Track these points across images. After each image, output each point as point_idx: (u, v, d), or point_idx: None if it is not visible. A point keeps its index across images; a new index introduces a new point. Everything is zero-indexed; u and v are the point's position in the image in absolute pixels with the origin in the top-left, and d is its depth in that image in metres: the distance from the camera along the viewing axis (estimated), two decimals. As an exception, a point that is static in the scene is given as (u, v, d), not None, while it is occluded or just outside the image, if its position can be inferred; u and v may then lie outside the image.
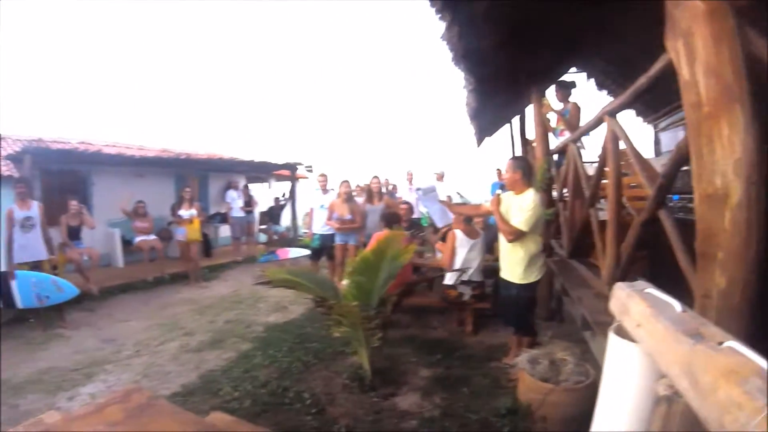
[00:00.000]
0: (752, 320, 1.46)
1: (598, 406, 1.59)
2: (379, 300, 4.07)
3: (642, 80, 2.40)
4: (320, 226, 7.70)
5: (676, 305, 1.24)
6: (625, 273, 2.91)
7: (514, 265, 4.08)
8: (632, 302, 1.38)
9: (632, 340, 1.37)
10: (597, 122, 3.50)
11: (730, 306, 1.47)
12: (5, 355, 5.23)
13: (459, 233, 5.31)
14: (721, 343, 0.94)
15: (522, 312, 4.21)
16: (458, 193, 10.43)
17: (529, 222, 3.86)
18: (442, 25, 4.19)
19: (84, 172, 10.21)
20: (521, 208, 3.93)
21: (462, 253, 5.32)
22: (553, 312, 5.75)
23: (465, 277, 5.30)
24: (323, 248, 7.77)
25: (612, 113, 3.10)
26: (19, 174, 7.68)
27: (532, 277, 4.07)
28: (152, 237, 9.39)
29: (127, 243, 9.98)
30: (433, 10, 3.99)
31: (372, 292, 4.08)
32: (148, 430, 2.06)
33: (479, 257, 5.40)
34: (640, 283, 1.48)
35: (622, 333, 1.46)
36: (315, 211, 7.92)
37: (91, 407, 2.41)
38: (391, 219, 6.13)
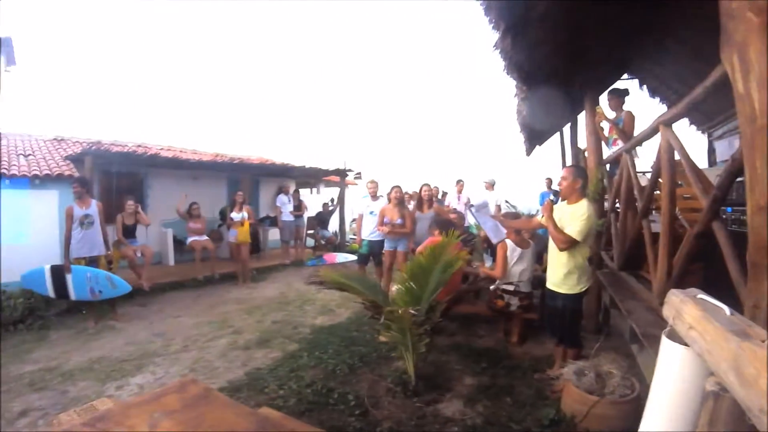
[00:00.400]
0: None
1: (648, 406, 1.66)
2: (428, 306, 4.10)
3: (698, 90, 2.36)
4: (369, 232, 7.75)
5: (726, 309, 1.31)
6: (677, 286, 2.85)
7: (562, 275, 4.05)
8: (685, 307, 1.46)
9: (683, 343, 1.46)
10: (652, 132, 3.45)
11: None
12: (58, 342, 5.63)
13: (509, 243, 5.29)
14: (763, 341, 1.03)
15: (568, 323, 4.16)
16: (507, 202, 10.33)
17: (583, 231, 3.84)
18: (494, 34, 4.20)
19: (141, 174, 10.77)
20: (574, 216, 3.90)
21: (511, 263, 5.30)
22: (600, 325, 5.65)
23: (513, 287, 5.29)
24: (371, 254, 7.82)
25: (667, 123, 3.06)
26: (79, 174, 8.08)
27: (579, 288, 4.03)
28: (204, 237, 9.70)
29: (179, 243, 10.46)
30: (487, 19, 4.00)
31: (422, 297, 4.11)
32: (204, 419, 2.15)
33: (529, 268, 5.37)
34: (693, 290, 1.54)
35: (673, 337, 1.53)
36: (364, 217, 7.96)
37: (147, 396, 2.54)
38: (445, 225, 6.16)
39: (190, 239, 9.60)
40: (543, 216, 4.22)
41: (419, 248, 4.87)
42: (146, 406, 2.25)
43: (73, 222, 6.29)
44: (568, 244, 3.89)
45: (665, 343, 1.58)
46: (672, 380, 1.54)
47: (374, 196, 8.00)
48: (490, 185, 10.47)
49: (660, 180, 3.27)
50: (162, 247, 10.67)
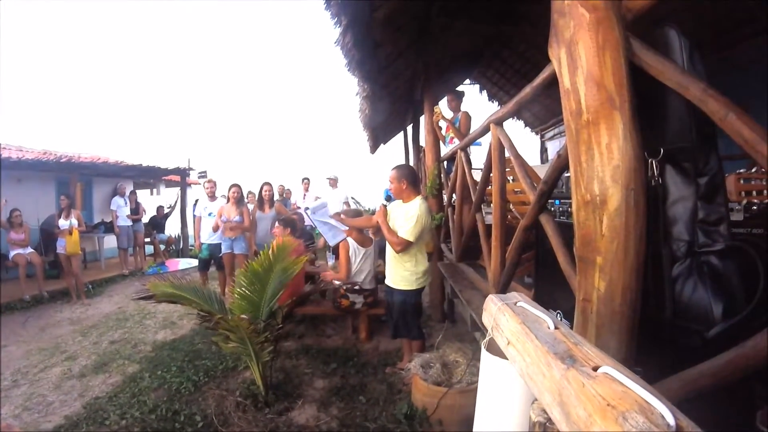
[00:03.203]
0: (633, 322, 1.50)
1: (476, 419, 1.56)
2: (268, 312, 3.93)
3: (526, 90, 2.47)
4: (208, 235, 7.38)
5: (549, 322, 1.14)
6: (510, 275, 3.00)
7: (400, 272, 4.14)
8: (503, 318, 1.30)
9: (505, 356, 1.28)
10: (483, 131, 3.59)
11: (611, 309, 1.49)
12: None
13: (352, 242, 5.25)
14: (595, 369, 0.85)
15: (407, 318, 4.25)
16: (352, 198, 10.41)
17: (414, 232, 3.92)
18: (336, 30, 4.15)
19: None
20: (407, 217, 3.98)
21: (355, 262, 5.28)
22: (445, 314, 5.89)
23: (356, 286, 5.29)
24: (212, 258, 7.46)
25: (497, 122, 3.18)
26: None
27: (417, 284, 4.14)
28: (29, 250, 8.44)
29: (2, 257, 8.94)
30: (329, 14, 3.94)
31: (260, 304, 3.92)
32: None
33: (371, 265, 5.39)
34: (513, 295, 1.40)
35: (495, 348, 1.39)
36: (202, 220, 7.55)
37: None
38: (289, 223, 6.02)
39: (12, 253, 8.25)
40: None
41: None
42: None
43: None
44: (402, 246, 3.97)
45: (485, 356, 1.48)
46: (495, 396, 1.45)
47: (212, 197, 7.64)
48: (334, 182, 10.48)
49: (491, 175, 3.41)
50: (-18, 264, 9.02)
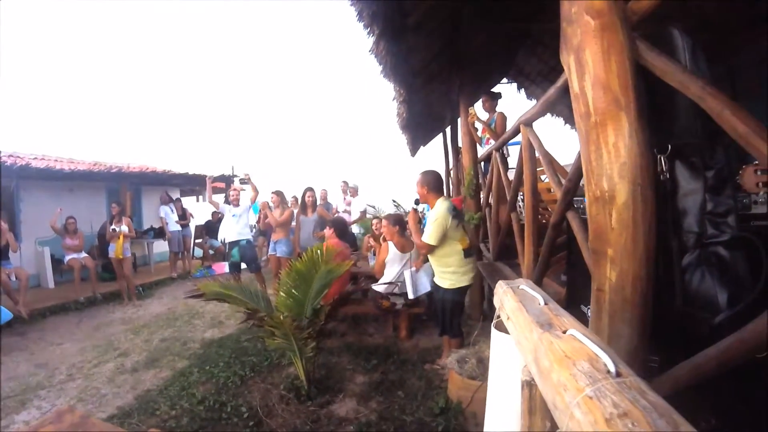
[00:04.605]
0: (644, 311, 1.56)
1: (488, 393, 1.68)
2: (312, 310, 4.09)
3: (551, 91, 2.54)
4: (233, 234, 7.78)
5: (540, 299, 1.31)
6: (542, 272, 3.06)
7: (442, 271, 4.22)
8: (506, 298, 1.47)
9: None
10: (515, 131, 3.65)
11: (622, 298, 1.57)
12: None
13: (392, 247, 5.35)
14: (565, 332, 1.01)
15: (448, 315, 4.32)
16: (393, 201, 10.46)
17: (434, 235, 3.99)
18: (370, 39, 4.27)
19: (11, 187, 9.52)
20: (429, 221, 4.08)
21: (395, 266, 5.39)
22: (484, 313, 5.93)
23: (397, 290, 5.39)
24: (242, 258, 7.81)
25: (527, 122, 3.24)
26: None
27: (459, 284, 4.20)
28: (83, 255, 8.92)
29: (57, 262, 9.45)
30: (361, 24, 4.06)
31: (305, 302, 4.08)
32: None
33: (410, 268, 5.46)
34: (519, 281, 1.56)
35: (501, 326, 1.54)
36: (228, 221, 7.90)
37: (23, 430, 2.35)
38: (340, 225, 6.18)
39: (67, 257, 8.76)
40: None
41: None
42: (23, 442, 2.09)
43: None
44: (426, 249, 4.11)
45: (493, 332, 1.62)
46: (500, 368, 1.57)
47: (236, 203, 7.95)
48: (354, 191, 10.35)
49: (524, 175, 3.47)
50: (39, 268, 9.56)
